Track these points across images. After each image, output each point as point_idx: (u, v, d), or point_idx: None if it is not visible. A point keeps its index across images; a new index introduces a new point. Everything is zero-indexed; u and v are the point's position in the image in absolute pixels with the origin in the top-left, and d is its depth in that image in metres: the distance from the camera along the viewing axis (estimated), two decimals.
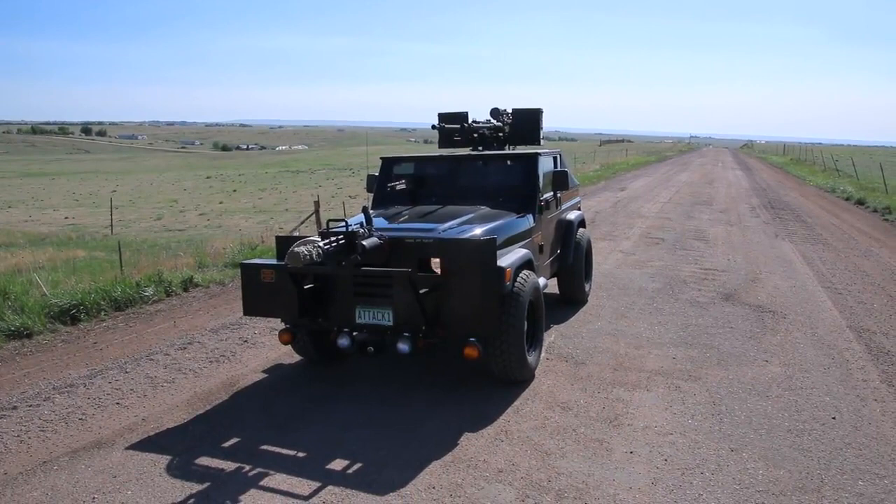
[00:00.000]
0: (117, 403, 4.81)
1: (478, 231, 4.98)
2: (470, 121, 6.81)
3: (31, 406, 4.76)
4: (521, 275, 4.83)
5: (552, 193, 6.51)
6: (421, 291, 4.41)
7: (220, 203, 30.37)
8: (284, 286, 4.70)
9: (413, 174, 6.38)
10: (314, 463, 3.85)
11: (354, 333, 4.73)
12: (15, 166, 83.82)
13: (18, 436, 4.30)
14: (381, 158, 6.68)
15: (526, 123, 7.13)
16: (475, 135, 6.80)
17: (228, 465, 3.84)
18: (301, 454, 3.97)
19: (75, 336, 6.46)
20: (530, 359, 4.94)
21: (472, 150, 6.93)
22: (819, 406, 4.56)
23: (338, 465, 3.82)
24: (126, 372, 5.43)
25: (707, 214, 15.61)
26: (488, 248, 4.36)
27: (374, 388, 5.04)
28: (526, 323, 4.80)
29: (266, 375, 5.39)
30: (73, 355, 5.89)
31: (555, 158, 6.88)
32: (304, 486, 3.59)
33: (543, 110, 7.15)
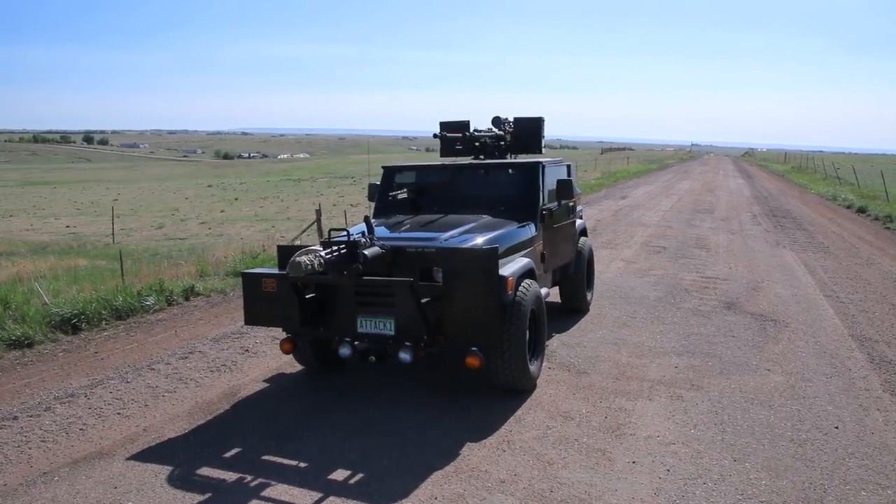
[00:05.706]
0: (118, 413, 4.81)
1: (479, 240, 4.98)
2: (471, 129, 6.82)
3: (31, 416, 4.76)
4: (522, 284, 4.83)
5: (556, 203, 6.52)
6: (423, 301, 4.41)
7: (222, 211, 30.40)
8: (286, 296, 4.70)
9: (415, 183, 6.38)
10: (315, 473, 3.83)
11: (356, 343, 4.73)
12: (16, 175, 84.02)
13: (19, 446, 4.29)
14: (383, 167, 6.68)
15: (527, 132, 7.14)
16: (477, 143, 6.81)
17: (229, 476, 3.83)
18: (302, 464, 3.96)
19: (76, 345, 6.46)
20: (532, 368, 4.93)
21: (474, 158, 6.94)
22: (822, 415, 4.55)
23: (339, 475, 3.81)
24: (127, 382, 5.42)
25: (708, 223, 15.62)
26: (490, 257, 4.36)
27: (376, 397, 5.03)
28: (528, 332, 4.80)
29: (267, 385, 5.38)
30: (74, 365, 5.89)
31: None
32: (305, 496, 3.58)
33: (545, 119, 7.17)
